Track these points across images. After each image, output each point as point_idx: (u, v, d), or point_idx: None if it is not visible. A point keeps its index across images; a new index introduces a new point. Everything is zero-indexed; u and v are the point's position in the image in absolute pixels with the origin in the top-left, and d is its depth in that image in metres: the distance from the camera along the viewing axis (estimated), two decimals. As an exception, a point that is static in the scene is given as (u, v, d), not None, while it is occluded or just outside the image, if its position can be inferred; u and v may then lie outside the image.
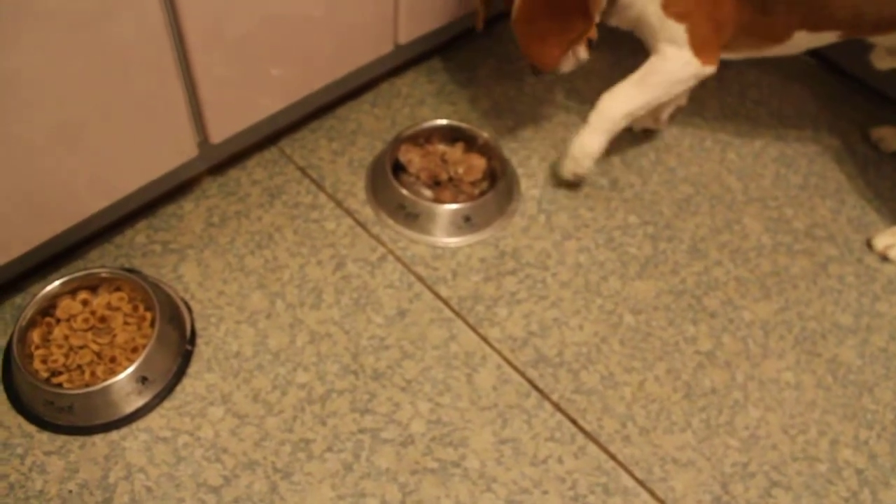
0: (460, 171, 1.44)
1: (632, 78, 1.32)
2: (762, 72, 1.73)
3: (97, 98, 1.10)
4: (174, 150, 1.26)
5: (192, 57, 1.17)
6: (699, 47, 1.25)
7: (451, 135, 1.48)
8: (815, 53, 1.77)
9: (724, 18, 1.23)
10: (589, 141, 1.37)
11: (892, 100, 1.69)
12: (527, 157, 1.51)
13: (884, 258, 1.42)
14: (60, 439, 1.15)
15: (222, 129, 1.31)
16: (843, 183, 1.54)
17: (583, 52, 1.33)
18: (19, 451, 1.13)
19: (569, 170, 1.42)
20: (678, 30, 1.24)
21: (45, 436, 1.15)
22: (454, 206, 1.38)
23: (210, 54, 1.19)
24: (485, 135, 1.46)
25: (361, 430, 1.17)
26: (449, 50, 1.69)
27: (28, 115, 1.04)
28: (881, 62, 1.38)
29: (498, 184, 1.41)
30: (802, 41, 1.27)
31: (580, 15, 1.21)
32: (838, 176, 1.55)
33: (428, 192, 1.43)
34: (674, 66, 1.28)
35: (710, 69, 1.28)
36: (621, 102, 1.32)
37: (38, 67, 1.01)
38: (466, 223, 1.39)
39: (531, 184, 1.47)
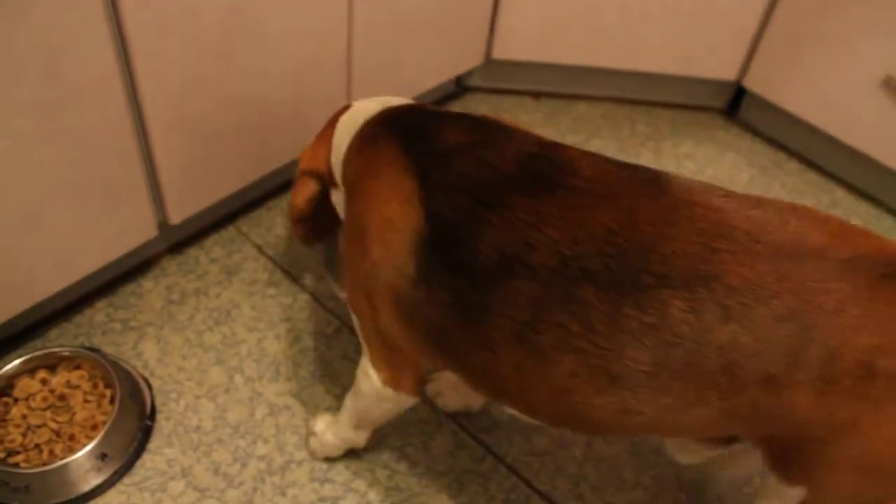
0: (412, 244, 1.50)
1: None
2: (697, 142, 1.84)
3: (61, 182, 1.14)
4: (135, 230, 1.30)
5: (153, 141, 1.23)
6: (375, 356, 1.01)
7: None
8: (748, 125, 1.89)
9: (394, 336, 0.96)
10: (330, 438, 1.21)
11: (817, 165, 1.81)
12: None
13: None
14: (17, 520, 1.15)
15: (182, 209, 1.36)
16: (774, 247, 1.63)
17: None
18: (-25, 534, 1.13)
19: (312, 450, 1.24)
20: (358, 327, 1.02)
21: (1, 518, 1.15)
22: (407, 278, 1.43)
23: (171, 139, 1.25)
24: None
25: (321, 499, 1.19)
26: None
27: (-7, 199, 1.08)
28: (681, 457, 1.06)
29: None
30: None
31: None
32: (770, 241, 1.64)
33: (382, 266, 1.48)
34: (359, 374, 1.06)
35: (391, 392, 1.03)
36: (345, 416, 1.16)
37: (5, 153, 1.06)
38: (419, 294, 1.44)
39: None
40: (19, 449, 1.18)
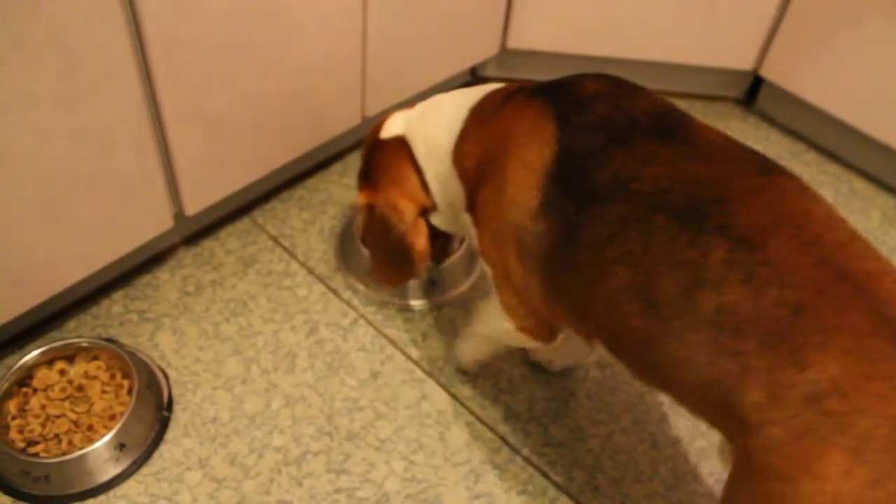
0: (428, 236, 1.50)
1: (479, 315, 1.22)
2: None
3: (79, 174, 1.15)
4: (151, 221, 1.31)
5: (169, 133, 1.23)
6: (508, 305, 1.08)
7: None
8: (765, 115, 1.88)
9: (518, 282, 1.02)
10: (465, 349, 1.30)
11: (836, 156, 1.80)
12: (491, 221, 1.58)
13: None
14: (37, 510, 1.15)
15: (197, 201, 1.36)
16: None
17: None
18: (-5, 523, 1.14)
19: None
20: (490, 277, 1.09)
21: (20, 507, 1.16)
22: (423, 270, 1.43)
23: (186, 130, 1.25)
24: (450, 201, 1.53)
25: (337, 491, 1.19)
26: (414, 122, 1.76)
27: (12, 191, 1.08)
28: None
29: (462, 248, 1.46)
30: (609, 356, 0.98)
31: (410, 265, 1.21)
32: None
33: (397, 257, 1.48)
34: (496, 316, 1.12)
35: (525, 338, 1.10)
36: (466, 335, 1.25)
37: (23, 147, 1.06)
38: (433, 287, 1.43)
39: (496, 246, 1.53)
40: (38, 439, 1.19)
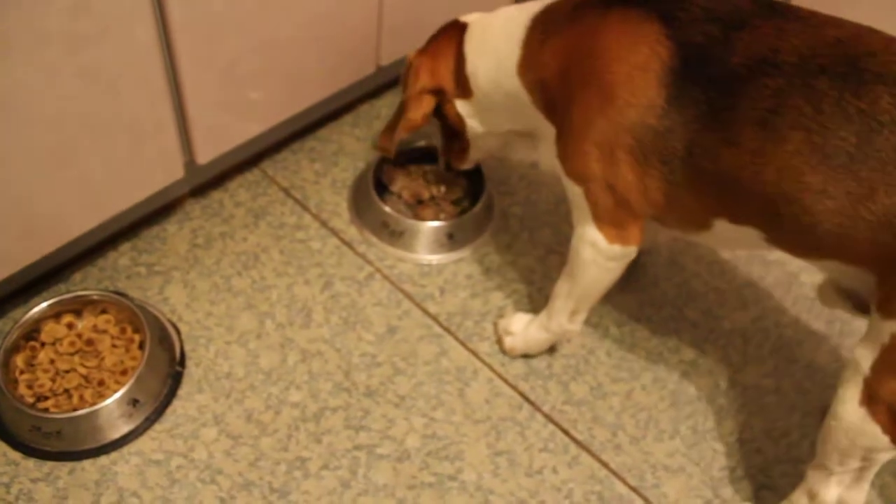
0: (442, 189, 1.46)
1: (563, 272, 1.19)
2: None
3: (89, 118, 1.09)
4: (162, 169, 1.26)
5: (182, 78, 1.17)
6: (602, 219, 1.08)
7: (433, 155, 1.50)
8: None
9: (626, 189, 1.04)
10: (535, 334, 1.26)
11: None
12: (506, 176, 1.54)
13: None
14: (48, 465, 1.12)
15: (209, 149, 1.31)
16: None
17: None
18: (4, 479, 1.10)
19: (510, 348, 1.29)
20: (579, 195, 1.08)
21: (31, 462, 1.12)
22: (438, 224, 1.40)
23: (200, 75, 1.19)
24: (466, 154, 1.49)
25: (357, 447, 1.17)
26: (424, 73, 1.71)
27: (19, 136, 1.03)
28: (826, 300, 1.15)
29: (480, 201, 1.43)
30: (726, 233, 1.04)
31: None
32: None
33: (410, 211, 1.44)
34: (579, 246, 1.12)
35: (619, 248, 1.10)
36: (560, 303, 1.20)
37: (31, 88, 1.01)
38: (450, 240, 1.40)
39: (512, 201, 1.50)
40: (48, 394, 1.16)
